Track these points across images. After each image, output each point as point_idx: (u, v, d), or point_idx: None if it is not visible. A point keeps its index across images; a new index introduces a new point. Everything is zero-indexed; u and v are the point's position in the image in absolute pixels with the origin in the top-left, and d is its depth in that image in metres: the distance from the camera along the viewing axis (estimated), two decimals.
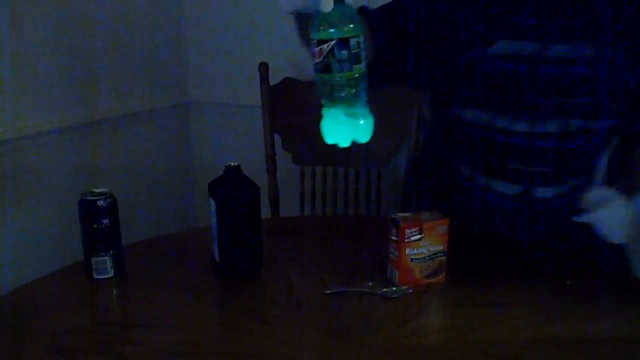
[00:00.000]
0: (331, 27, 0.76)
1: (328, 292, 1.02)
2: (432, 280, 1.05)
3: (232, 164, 1.05)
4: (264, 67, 1.62)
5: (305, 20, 0.87)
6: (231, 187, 1.06)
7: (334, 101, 0.79)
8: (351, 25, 0.77)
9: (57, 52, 1.62)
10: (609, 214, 0.99)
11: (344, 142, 0.82)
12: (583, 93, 1.05)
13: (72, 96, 1.68)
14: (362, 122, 0.81)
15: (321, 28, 0.76)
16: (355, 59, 0.77)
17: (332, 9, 0.75)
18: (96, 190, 1.06)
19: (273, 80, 1.60)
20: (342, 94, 0.78)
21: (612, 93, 1.06)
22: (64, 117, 1.66)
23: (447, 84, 1.08)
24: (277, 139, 1.64)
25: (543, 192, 1.12)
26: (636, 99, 1.09)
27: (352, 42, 0.76)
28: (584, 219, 1.01)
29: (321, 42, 0.76)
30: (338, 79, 0.77)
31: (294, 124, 1.64)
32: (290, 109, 1.63)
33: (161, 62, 2.00)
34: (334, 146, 0.85)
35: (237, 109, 2.06)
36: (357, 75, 0.78)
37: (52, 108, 1.63)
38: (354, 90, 0.79)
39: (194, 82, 2.12)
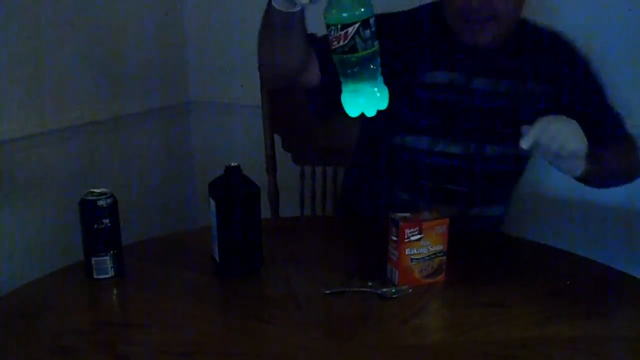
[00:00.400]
0: (353, 10, 0.82)
1: (328, 292, 1.02)
2: (432, 280, 1.05)
3: (233, 164, 1.06)
4: None
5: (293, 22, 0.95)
6: (231, 187, 1.06)
7: (356, 78, 0.86)
8: (367, 7, 0.83)
9: (56, 53, 1.62)
10: (561, 126, 1.00)
11: (370, 112, 0.89)
12: (504, 122, 1.18)
13: (72, 96, 1.68)
14: (379, 94, 0.88)
15: (348, 12, 0.82)
16: (375, 36, 0.85)
17: None
18: (96, 190, 1.06)
19: None
20: (364, 70, 0.85)
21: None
22: (64, 117, 1.66)
23: (388, 112, 1.15)
24: (278, 139, 1.64)
25: (478, 212, 1.21)
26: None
27: (371, 21, 0.83)
28: (532, 137, 0.98)
29: (346, 25, 0.82)
30: (363, 56, 0.84)
31: (293, 124, 1.64)
32: (290, 109, 1.63)
33: (161, 62, 2.00)
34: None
35: (237, 109, 2.06)
36: (375, 50, 0.85)
37: (52, 108, 1.63)
38: (372, 66, 0.86)
39: (194, 82, 2.12)
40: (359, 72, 0.86)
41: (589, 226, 1.68)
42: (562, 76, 1.20)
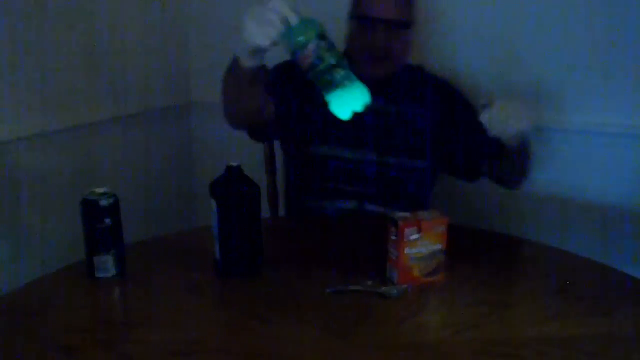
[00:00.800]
0: (307, 30, 0.99)
1: (328, 291, 1.02)
2: (431, 279, 1.05)
3: (233, 164, 1.06)
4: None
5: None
6: (232, 187, 1.06)
7: (335, 83, 0.99)
8: (316, 24, 1.00)
9: (57, 53, 1.63)
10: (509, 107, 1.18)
11: (358, 107, 1.02)
12: (395, 137, 1.41)
13: (73, 97, 1.69)
14: (359, 89, 1.01)
15: (303, 35, 0.99)
16: (333, 44, 1.01)
17: (299, 20, 1.00)
18: (99, 190, 1.06)
19: None
20: (339, 74, 0.99)
21: (420, 139, 1.41)
22: (65, 117, 1.66)
23: (305, 126, 1.42)
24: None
25: (373, 208, 1.43)
26: (452, 146, 1.45)
27: (325, 34, 1.00)
28: (488, 115, 1.16)
29: (307, 44, 0.98)
30: (331, 63, 0.98)
31: None
32: None
33: (163, 62, 2.00)
34: None
35: None
36: (340, 55, 1.00)
37: (53, 108, 1.63)
38: (343, 69, 1.00)
39: (195, 82, 2.13)
40: (335, 77, 0.99)
41: (589, 226, 1.68)
42: (443, 107, 1.46)
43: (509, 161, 1.35)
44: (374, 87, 1.34)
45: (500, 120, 1.16)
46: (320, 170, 1.44)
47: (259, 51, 1.10)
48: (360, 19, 1.38)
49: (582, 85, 1.62)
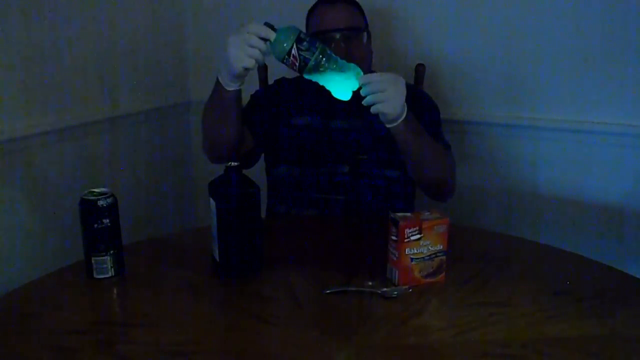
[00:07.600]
0: (288, 37, 1.10)
1: (328, 291, 1.02)
2: (432, 279, 1.05)
3: (233, 163, 1.06)
4: (262, 68, 1.62)
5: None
6: (231, 186, 1.06)
7: (327, 73, 1.11)
8: (292, 30, 1.11)
9: (56, 53, 1.62)
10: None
11: (355, 85, 1.13)
12: (361, 151, 1.43)
13: (72, 96, 1.68)
14: (349, 69, 1.12)
15: (285, 42, 1.10)
16: (314, 40, 1.12)
17: (276, 32, 1.11)
18: (97, 190, 1.06)
19: (271, 81, 1.60)
20: (328, 67, 1.11)
21: (385, 150, 1.41)
22: (64, 117, 1.66)
23: (270, 148, 1.48)
24: None
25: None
26: None
27: (302, 35, 1.11)
28: (365, 79, 1.13)
29: (289, 51, 1.10)
30: (317, 59, 1.10)
31: None
32: None
33: (162, 62, 2.00)
34: None
35: None
36: (322, 48, 1.11)
37: (52, 108, 1.63)
38: (328, 59, 1.11)
39: (194, 82, 2.12)
40: (326, 67, 1.11)
41: (589, 226, 1.68)
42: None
43: (406, 155, 1.29)
44: (336, 106, 1.35)
45: (368, 92, 1.13)
46: (290, 183, 1.45)
47: (243, 74, 1.17)
48: (316, 35, 1.35)
49: (582, 84, 1.62)
